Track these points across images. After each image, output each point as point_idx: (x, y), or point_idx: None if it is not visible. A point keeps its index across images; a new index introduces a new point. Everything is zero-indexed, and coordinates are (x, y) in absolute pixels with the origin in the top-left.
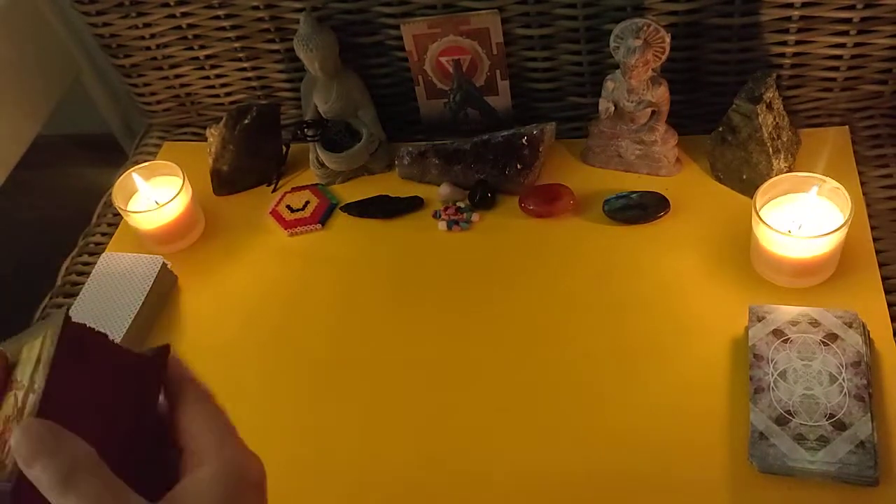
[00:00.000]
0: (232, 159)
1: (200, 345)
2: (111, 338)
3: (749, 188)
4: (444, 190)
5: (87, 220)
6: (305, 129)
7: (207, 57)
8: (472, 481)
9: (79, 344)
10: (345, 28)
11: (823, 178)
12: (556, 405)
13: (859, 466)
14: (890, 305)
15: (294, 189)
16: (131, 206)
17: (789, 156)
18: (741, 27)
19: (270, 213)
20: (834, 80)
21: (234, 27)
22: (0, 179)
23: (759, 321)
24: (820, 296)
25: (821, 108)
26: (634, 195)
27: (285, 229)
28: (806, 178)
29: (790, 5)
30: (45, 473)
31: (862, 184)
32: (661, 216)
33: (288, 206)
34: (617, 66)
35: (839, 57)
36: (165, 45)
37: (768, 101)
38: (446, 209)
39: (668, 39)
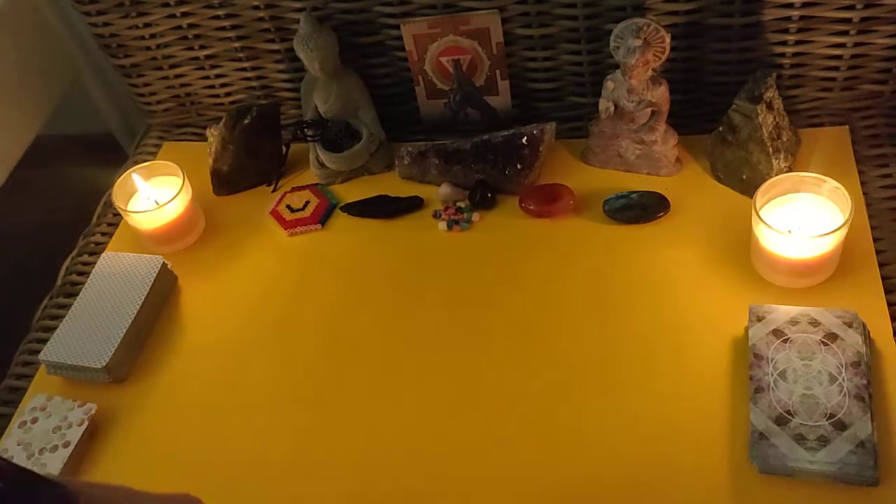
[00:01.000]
0: (232, 159)
1: (200, 344)
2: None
3: (749, 188)
4: (444, 190)
5: (87, 220)
6: (305, 129)
7: (207, 57)
8: (472, 481)
9: None
10: (345, 28)
11: (823, 178)
12: (556, 404)
13: (859, 466)
14: (890, 305)
15: (294, 189)
16: (131, 206)
17: (789, 156)
18: (741, 27)
19: (270, 213)
20: (834, 79)
21: (234, 27)
22: (0, 179)
23: (759, 321)
24: (820, 296)
25: (821, 108)
26: (634, 195)
27: (285, 229)
28: (806, 178)
29: (790, 5)
30: None
31: (862, 184)
32: (661, 216)
33: (288, 206)
34: (617, 66)
35: (839, 57)
36: (165, 45)
37: (768, 100)
38: (446, 209)
39: (668, 39)
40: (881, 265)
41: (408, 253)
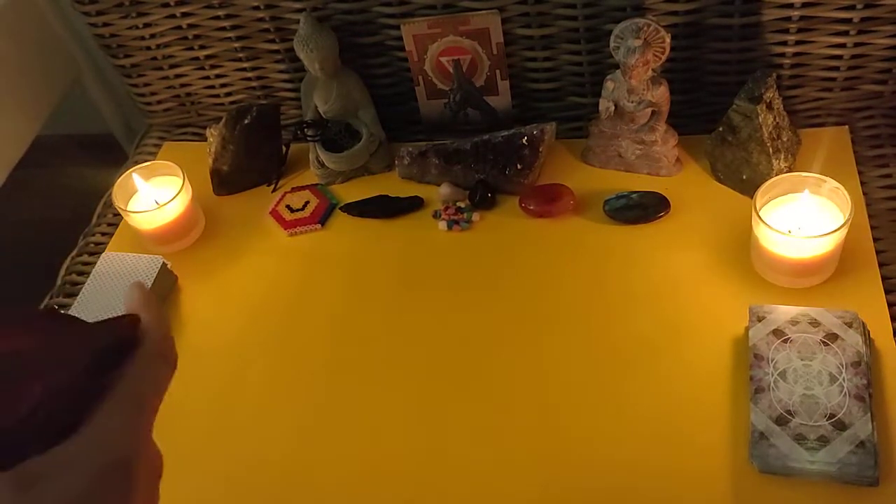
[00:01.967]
0: (232, 159)
1: (200, 344)
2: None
3: (749, 188)
4: (444, 190)
5: (87, 220)
6: (305, 129)
7: (207, 57)
8: (473, 480)
9: None
10: (345, 28)
11: (823, 178)
12: (556, 404)
13: (859, 466)
14: (890, 305)
15: (294, 189)
16: (131, 206)
17: (789, 156)
18: (741, 27)
19: (270, 213)
20: (834, 80)
21: (234, 27)
22: (0, 179)
23: (760, 321)
24: (820, 296)
25: (821, 108)
26: (634, 195)
27: (285, 229)
28: (806, 178)
29: (790, 5)
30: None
31: (862, 184)
32: (661, 216)
33: (288, 206)
34: (617, 66)
35: (839, 57)
36: (165, 45)
37: (768, 101)
38: (446, 209)
39: (668, 39)
40: (881, 265)
41: (408, 253)
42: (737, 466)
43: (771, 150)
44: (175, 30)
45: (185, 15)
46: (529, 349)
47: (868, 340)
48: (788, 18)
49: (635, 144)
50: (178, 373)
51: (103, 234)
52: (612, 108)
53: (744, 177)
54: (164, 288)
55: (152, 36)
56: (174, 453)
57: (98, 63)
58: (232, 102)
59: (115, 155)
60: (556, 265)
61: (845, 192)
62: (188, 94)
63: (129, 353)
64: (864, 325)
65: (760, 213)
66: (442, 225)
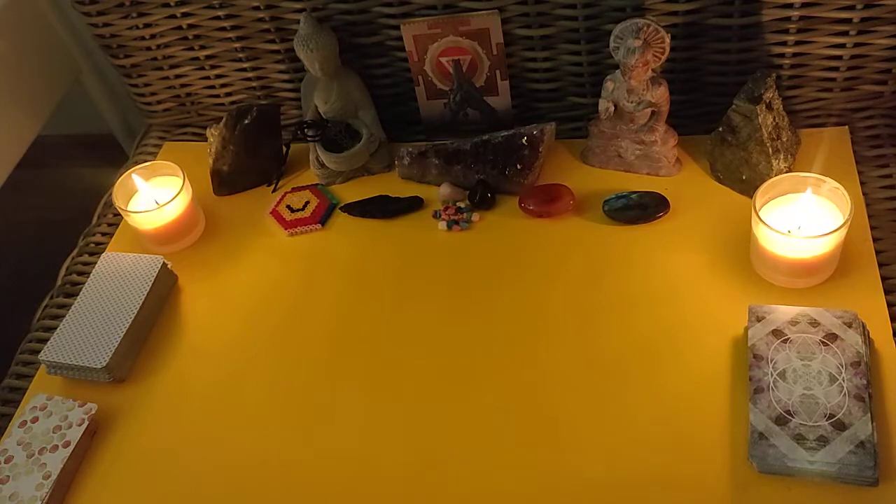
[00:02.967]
0: (232, 159)
1: (200, 344)
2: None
3: (749, 188)
4: (444, 190)
5: (87, 220)
6: (305, 130)
7: (207, 57)
8: (472, 480)
9: None
10: (345, 28)
11: (823, 178)
12: (555, 404)
13: (859, 466)
14: (890, 305)
15: (294, 189)
16: (131, 206)
17: (789, 156)
18: (741, 27)
19: (270, 213)
20: (834, 80)
21: (234, 27)
22: (0, 179)
23: (759, 321)
24: (820, 296)
25: (820, 108)
26: (634, 195)
27: (285, 229)
28: (806, 179)
29: (790, 5)
30: None
31: (862, 184)
32: (660, 216)
33: (288, 206)
34: (617, 66)
35: (839, 57)
36: (166, 46)
37: (768, 101)
38: (446, 209)
39: (667, 39)
40: (881, 265)
41: (408, 253)
42: (736, 466)
43: (771, 150)
44: (175, 30)
45: (185, 15)
46: (529, 349)
47: (868, 340)
48: (788, 18)
49: (635, 144)
50: (178, 373)
51: (103, 234)
52: (612, 108)
53: (743, 177)
54: (164, 288)
55: (152, 36)
56: (174, 453)
57: (98, 63)
58: (232, 102)
59: (115, 155)
60: (556, 265)
61: (845, 192)
62: (188, 94)
63: None
64: (863, 325)
65: (760, 214)
66: (442, 225)
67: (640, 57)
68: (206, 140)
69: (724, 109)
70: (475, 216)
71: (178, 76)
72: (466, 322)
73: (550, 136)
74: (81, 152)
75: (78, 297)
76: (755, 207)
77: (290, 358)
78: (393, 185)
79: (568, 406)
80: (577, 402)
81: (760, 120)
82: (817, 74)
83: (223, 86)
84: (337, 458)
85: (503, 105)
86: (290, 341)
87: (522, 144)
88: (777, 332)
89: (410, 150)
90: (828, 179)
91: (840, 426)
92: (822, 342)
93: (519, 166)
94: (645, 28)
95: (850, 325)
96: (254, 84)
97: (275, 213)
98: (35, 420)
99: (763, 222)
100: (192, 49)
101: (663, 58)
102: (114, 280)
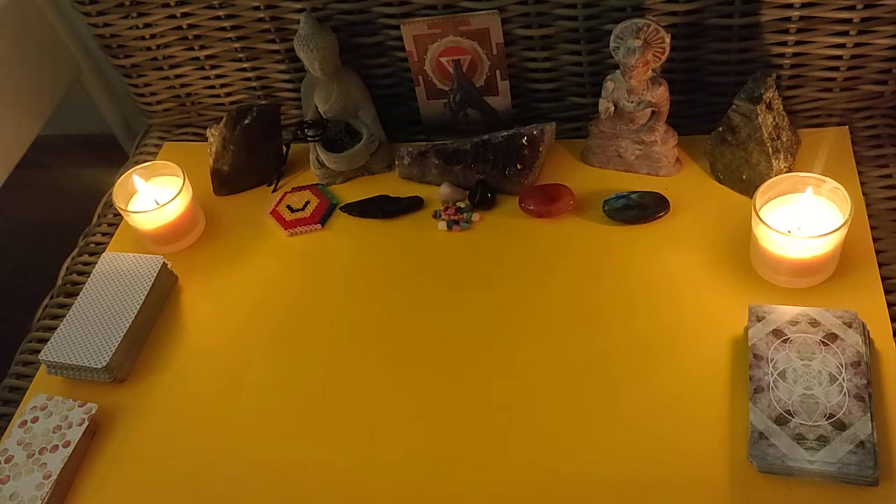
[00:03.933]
0: (232, 159)
1: (200, 344)
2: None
3: (749, 188)
4: (444, 190)
5: (87, 220)
6: (306, 130)
7: (208, 57)
8: (472, 480)
9: None
10: (345, 28)
11: (823, 178)
12: (555, 404)
13: (859, 466)
14: (890, 305)
15: (294, 189)
16: (132, 206)
17: (789, 156)
18: (741, 27)
19: (270, 213)
20: (834, 80)
21: (234, 27)
22: (0, 179)
23: (759, 321)
24: (820, 296)
25: (820, 108)
26: (634, 195)
27: (285, 229)
28: (806, 178)
29: (790, 5)
30: None
31: (862, 184)
32: (660, 216)
33: (288, 207)
34: (617, 66)
35: (839, 57)
36: (166, 46)
37: (768, 101)
38: (446, 209)
39: (667, 39)
40: (881, 265)
41: (408, 253)
42: (736, 466)
43: (770, 150)
44: (175, 30)
45: (185, 15)
46: (529, 349)
47: (868, 340)
48: (788, 19)
49: (635, 144)
50: (178, 373)
51: (104, 234)
52: (612, 108)
53: (743, 177)
54: (164, 288)
55: (152, 36)
56: (174, 453)
57: (98, 63)
58: (232, 102)
59: (115, 155)
60: (556, 265)
61: (845, 192)
62: (188, 94)
63: None
64: (863, 325)
65: (760, 213)
66: (442, 225)
67: (640, 57)
68: (206, 140)
69: (724, 109)
70: (475, 216)
71: (178, 76)
72: (466, 322)
73: (550, 136)
74: (81, 152)
75: (78, 297)
76: (755, 207)
77: (290, 358)
78: (393, 185)
79: (568, 405)
80: (577, 402)
81: (760, 120)
82: (817, 74)
83: (223, 86)
84: (337, 457)
85: (503, 105)
86: (290, 341)
87: (522, 144)
88: (777, 332)
89: (410, 150)
90: (828, 179)
91: (840, 426)
92: (823, 342)
93: (519, 166)
94: (645, 28)
95: (850, 325)
96: (254, 84)
97: (275, 213)
98: (35, 420)
99: (763, 222)
100: (192, 49)
101: (663, 58)
102: (114, 280)
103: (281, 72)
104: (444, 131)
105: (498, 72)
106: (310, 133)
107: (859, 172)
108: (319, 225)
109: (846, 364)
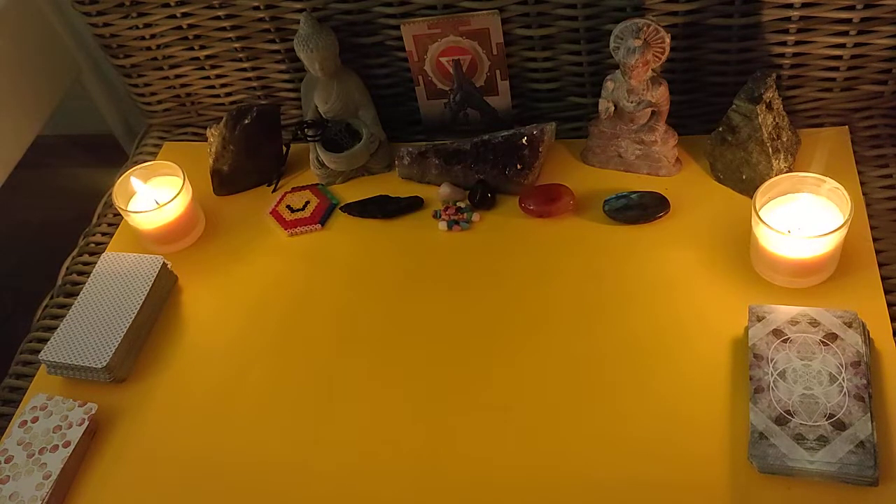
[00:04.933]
0: (232, 159)
1: (200, 344)
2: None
3: (749, 188)
4: (444, 190)
5: (87, 220)
6: (306, 130)
7: (207, 57)
8: (471, 481)
9: None
10: (345, 28)
11: (823, 178)
12: (556, 404)
13: (859, 466)
14: (890, 305)
15: (294, 189)
16: (132, 206)
17: (789, 156)
18: (741, 27)
19: (270, 213)
20: (834, 80)
21: (234, 27)
22: (0, 179)
23: (759, 321)
24: (820, 296)
25: (820, 108)
26: (634, 195)
27: (285, 229)
28: (806, 178)
29: (790, 5)
30: None
31: (862, 184)
32: (660, 216)
33: (288, 206)
34: (617, 66)
35: (839, 57)
36: (166, 46)
37: (768, 101)
38: (446, 209)
39: (668, 39)
40: (881, 265)
41: (408, 253)
42: (736, 466)
43: (771, 150)
44: (175, 30)
45: (185, 15)
46: (529, 349)
47: (868, 340)
48: (788, 19)
49: (635, 144)
50: (178, 373)
51: (103, 234)
52: (612, 108)
53: (743, 177)
54: (164, 288)
55: (152, 36)
56: (175, 453)
57: (98, 63)
58: (232, 102)
59: (115, 155)
60: (556, 265)
61: (845, 192)
62: (188, 94)
63: None
64: (863, 325)
65: (760, 213)
66: (442, 225)
67: (640, 57)
68: (206, 140)
69: (724, 109)
70: (475, 216)
71: (178, 76)
72: (466, 322)
73: (550, 136)
74: (81, 152)
75: (78, 297)
76: (755, 207)
77: (291, 358)
78: (393, 185)
79: (568, 405)
80: (576, 402)
81: (760, 120)
82: (817, 74)
83: (223, 86)
84: (337, 457)
85: (503, 105)
86: (291, 341)
87: (522, 144)
88: (777, 332)
89: (410, 150)
90: (828, 179)
91: (840, 426)
92: (822, 342)
93: (519, 166)
94: (645, 28)
95: (850, 325)
96: (254, 84)
97: (275, 213)
98: (35, 420)
99: (763, 222)
100: (192, 49)
101: (663, 58)
102: (114, 280)
103: (281, 72)
104: (444, 131)
105: (498, 72)
106: (310, 133)
107: (859, 172)
108: (319, 225)
109: (846, 364)
